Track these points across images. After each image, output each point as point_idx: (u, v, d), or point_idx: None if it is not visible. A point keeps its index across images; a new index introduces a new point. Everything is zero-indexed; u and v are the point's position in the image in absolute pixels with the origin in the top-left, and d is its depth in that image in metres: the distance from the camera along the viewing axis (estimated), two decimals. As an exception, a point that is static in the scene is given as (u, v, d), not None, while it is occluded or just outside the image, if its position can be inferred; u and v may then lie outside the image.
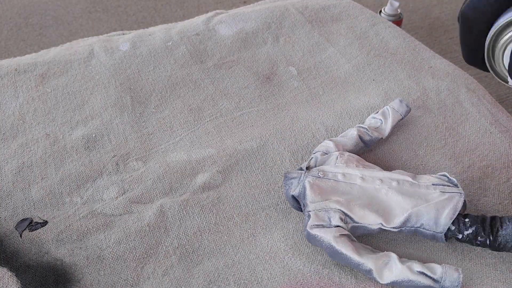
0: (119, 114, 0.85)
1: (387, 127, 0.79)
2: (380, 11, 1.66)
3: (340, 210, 0.65)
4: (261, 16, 1.05)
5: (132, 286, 0.63)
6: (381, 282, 0.59)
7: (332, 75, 0.94)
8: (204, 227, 0.69)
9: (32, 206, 0.72)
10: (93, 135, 0.82)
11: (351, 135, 0.78)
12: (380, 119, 0.80)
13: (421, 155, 0.79)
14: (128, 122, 0.84)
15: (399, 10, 1.60)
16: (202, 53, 0.97)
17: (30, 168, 0.77)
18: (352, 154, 0.74)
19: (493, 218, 0.63)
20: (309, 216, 0.66)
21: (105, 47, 0.98)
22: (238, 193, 0.74)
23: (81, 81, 0.91)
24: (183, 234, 0.68)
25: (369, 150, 0.79)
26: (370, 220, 0.64)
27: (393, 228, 0.64)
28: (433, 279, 0.58)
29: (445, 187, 0.65)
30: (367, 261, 0.60)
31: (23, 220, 0.70)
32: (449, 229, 0.62)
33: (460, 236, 0.63)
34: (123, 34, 1.05)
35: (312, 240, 0.65)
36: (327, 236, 0.63)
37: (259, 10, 1.08)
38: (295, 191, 0.68)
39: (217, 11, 1.11)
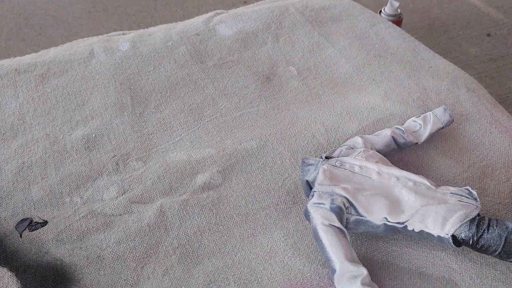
0: (119, 114, 0.85)
1: (425, 133, 0.78)
2: (380, 11, 1.66)
3: (345, 197, 0.65)
4: (261, 16, 1.05)
5: (132, 286, 0.63)
6: (337, 286, 0.60)
7: (332, 75, 0.94)
8: (204, 227, 0.69)
9: (32, 206, 0.72)
10: (93, 135, 0.82)
11: (384, 135, 0.77)
12: (420, 124, 0.79)
13: (421, 155, 0.79)
14: (128, 122, 0.84)
15: (399, 10, 1.60)
16: (202, 53, 0.97)
17: (30, 168, 0.77)
18: (377, 152, 0.74)
19: (481, 219, 0.62)
20: (313, 195, 0.67)
21: (105, 47, 0.98)
22: (238, 193, 0.74)
23: (81, 81, 0.91)
24: (183, 234, 0.68)
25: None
26: (374, 211, 0.64)
27: (398, 223, 0.63)
28: None
29: (463, 197, 0.64)
30: (337, 262, 0.61)
31: (23, 220, 0.70)
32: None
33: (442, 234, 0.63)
34: (123, 34, 1.05)
35: (306, 215, 0.66)
36: (317, 219, 0.64)
37: (259, 10, 1.08)
38: (310, 177, 0.70)
39: (217, 11, 1.11)
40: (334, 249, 0.61)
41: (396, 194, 0.65)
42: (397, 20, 1.58)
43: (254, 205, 0.72)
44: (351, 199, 0.65)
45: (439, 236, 0.62)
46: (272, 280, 0.63)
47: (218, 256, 0.66)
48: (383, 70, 0.94)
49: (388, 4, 1.58)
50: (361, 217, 0.64)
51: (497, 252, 0.60)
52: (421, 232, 0.63)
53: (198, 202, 0.72)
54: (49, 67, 0.93)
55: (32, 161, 0.78)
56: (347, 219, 0.65)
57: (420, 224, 0.63)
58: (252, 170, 0.77)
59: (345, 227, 0.64)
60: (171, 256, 0.66)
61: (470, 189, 0.66)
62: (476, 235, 0.61)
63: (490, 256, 0.62)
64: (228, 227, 0.69)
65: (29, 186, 0.74)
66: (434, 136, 0.81)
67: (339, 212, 0.64)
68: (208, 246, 0.67)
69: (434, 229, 0.62)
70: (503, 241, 0.59)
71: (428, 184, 0.66)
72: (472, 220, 0.62)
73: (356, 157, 0.71)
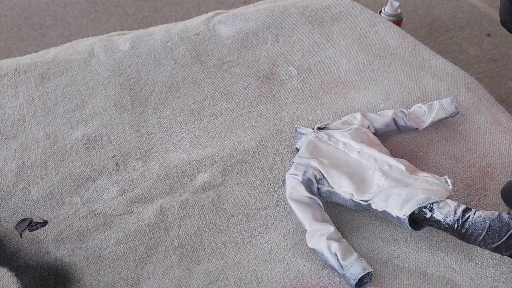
0: (119, 114, 0.85)
1: (428, 120, 0.80)
2: (380, 11, 1.66)
3: (318, 169, 0.70)
4: (261, 16, 1.05)
5: (132, 286, 0.63)
6: (308, 244, 0.65)
7: (332, 75, 0.94)
8: (204, 227, 0.69)
9: (32, 206, 0.72)
10: (93, 135, 0.82)
11: (386, 115, 0.80)
12: (425, 111, 0.81)
13: (421, 155, 0.79)
14: (128, 122, 0.84)
15: (399, 10, 1.60)
16: (202, 53, 0.97)
17: (30, 168, 0.77)
18: (370, 133, 0.76)
19: (468, 208, 0.63)
20: (291, 165, 0.72)
21: (105, 47, 0.98)
22: (238, 193, 0.74)
23: (81, 81, 0.91)
24: (183, 234, 0.68)
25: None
26: (342, 187, 0.68)
27: (362, 200, 0.66)
28: (340, 264, 0.62)
29: (434, 183, 0.65)
30: (306, 223, 0.66)
31: (23, 220, 0.70)
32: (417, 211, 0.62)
33: (428, 215, 0.62)
34: (123, 34, 1.05)
35: (283, 183, 0.72)
36: (288, 189, 0.70)
37: (259, 10, 1.08)
38: (299, 145, 0.76)
39: (217, 11, 1.11)
40: (303, 213, 0.67)
41: (368, 175, 0.69)
42: (397, 20, 1.58)
43: (254, 205, 0.72)
44: (323, 172, 0.69)
45: (397, 217, 0.63)
46: (272, 280, 0.63)
47: (218, 256, 0.66)
48: (383, 70, 0.94)
49: (388, 4, 1.58)
50: (332, 189, 0.69)
51: (481, 237, 0.59)
52: (384, 212, 0.65)
53: (198, 202, 0.72)
54: (49, 67, 0.93)
55: (32, 161, 0.78)
56: (319, 188, 0.69)
57: (383, 204, 0.64)
58: (252, 170, 0.77)
59: (319, 195, 0.69)
60: (171, 256, 0.66)
61: (447, 178, 0.66)
62: (462, 219, 0.61)
63: (474, 245, 0.61)
64: (228, 227, 0.69)
65: (29, 186, 0.74)
66: (434, 137, 0.81)
67: (308, 183, 0.69)
68: (208, 246, 0.67)
69: (394, 210, 0.63)
70: (487, 225, 0.59)
71: (404, 169, 0.68)
72: (457, 206, 0.62)
73: (345, 133, 0.74)
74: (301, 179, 0.69)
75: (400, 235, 0.68)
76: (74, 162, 0.78)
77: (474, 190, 0.73)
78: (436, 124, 0.83)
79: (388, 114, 0.79)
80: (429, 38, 1.71)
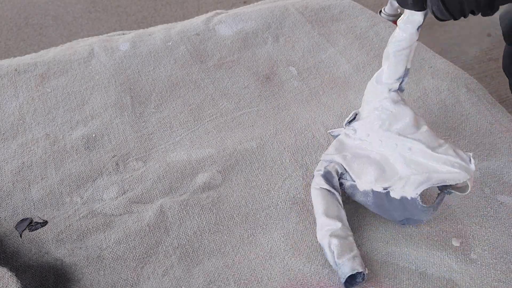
0: (119, 114, 0.85)
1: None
2: (380, 11, 1.66)
3: (341, 164, 0.70)
4: (261, 16, 1.05)
5: (132, 286, 0.63)
6: (318, 239, 0.66)
7: (332, 75, 0.94)
8: (204, 227, 0.69)
9: (32, 206, 0.72)
10: (93, 135, 0.82)
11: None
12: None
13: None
14: (128, 122, 0.84)
15: (399, 10, 1.60)
16: (202, 53, 0.97)
17: (30, 168, 0.77)
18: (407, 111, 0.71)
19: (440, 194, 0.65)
20: (318, 162, 0.75)
21: (105, 47, 0.98)
22: (238, 193, 0.74)
23: (81, 81, 0.91)
24: (183, 234, 0.68)
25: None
26: (363, 177, 0.67)
27: (382, 188, 0.65)
28: (335, 262, 0.63)
29: (456, 164, 0.63)
30: (317, 218, 0.67)
31: (23, 220, 0.70)
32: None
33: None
34: (123, 34, 1.05)
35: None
36: (312, 184, 0.71)
37: (259, 10, 1.08)
38: None
39: (217, 11, 1.10)
40: (317, 206, 0.68)
41: (389, 163, 0.68)
42: (397, 20, 1.58)
43: (254, 205, 0.72)
44: (345, 166, 0.69)
45: (412, 198, 0.63)
46: (272, 280, 0.63)
47: (218, 256, 0.66)
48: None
49: (388, 4, 1.58)
50: (354, 183, 0.68)
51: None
52: (401, 200, 0.64)
53: (198, 202, 0.72)
54: (49, 67, 0.93)
55: (32, 161, 0.78)
56: (342, 183, 0.69)
57: (400, 189, 0.64)
58: (252, 170, 0.77)
59: (343, 192, 0.70)
60: (171, 256, 0.66)
61: (471, 157, 0.65)
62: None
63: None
64: (228, 227, 0.70)
65: (29, 186, 0.74)
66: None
67: (327, 175, 0.69)
68: (208, 246, 0.67)
69: (409, 193, 0.63)
70: None
71: (424, 148, 0.66)
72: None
73: (371, 121, 0.72)
74: (322, 173, 0.70)
75: (400, 235, 0.68)
76: (74, 162, 0.78)
77: (473, 190, 0.73)
78: (436, 124, 0.83)
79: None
80: (429, 38, 1.71)
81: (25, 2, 1.96)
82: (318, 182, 0.70)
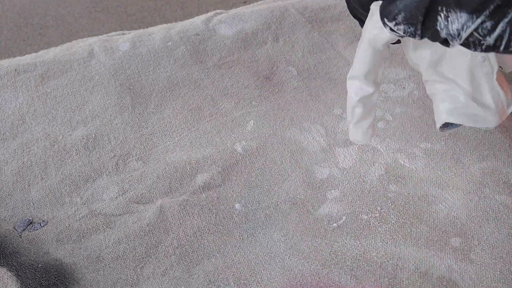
0: (119, 114, 0.85)
1: None
2: (380, 11, 1.66)
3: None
4: (261, 16, 1.05)
5: (132, 286, 0.63)
6: (347, 88, 0.63)
7: (332, 75, 0.94)
8: (204, 227, 0.69)
9: (32, 206, 0.72)
10: (93, 135, 0.82)
11: None
12: None
13: (421, 156, 0.79)
14: (128, 122, 0.84)
15: (399, 10, 1.60)
16: (202, 53, 0.98)
17: (30, 168, 0.77)
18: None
19: None
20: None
21: (105, 47, 0.98)
22: (238, 193, 0.74)
23: (81, 81, 0.91)
24: (183, 234, 0.68)
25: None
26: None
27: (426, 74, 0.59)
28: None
29: (499, 104, 0.56)
30: (354, 69, 0.62)
31: (23, 220, 0.70)
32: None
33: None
34: (123, 34, 1.05)
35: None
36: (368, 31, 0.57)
37: (259, 10, 1.08)
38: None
39: (217, 11, 1.10)
40: (360, 59, 0.61)
41: (452, 53, 0.58)
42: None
43: (254, 205, 0.72)
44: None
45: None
46: (272, 280, 0.63)
47: (218, 256, 0.66)
48: (383, 71, 0.94)
49: (388, 4, 1.58)
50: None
51: None
52: (432, 94, 0.59)
53: (198, 202, 0.72)
54: (49, 67, 0.93)
55: (32, 161, 0.78)
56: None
57: (429, 92, 0.61)
58: (252, 170, 0.77)
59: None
60: (171, 256, 0.66)
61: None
62: None
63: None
64: (227, 227, 0.70)
65: (29, 186, 0.74)
66: (434, 136, 0.81)
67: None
68: (208, 246, 0.67)
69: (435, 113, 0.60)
70: None
71: (490, 71, 0.57)
72: None
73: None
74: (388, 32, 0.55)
75: (400, 235, 0.68)
76: (74, 162, 0.78)
77: (473, 191, 0.74)
78: (436, 124, 0.83)
79: None
80: (429, 38, 1.71)
81: (25, 2, 1.96)
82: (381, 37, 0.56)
